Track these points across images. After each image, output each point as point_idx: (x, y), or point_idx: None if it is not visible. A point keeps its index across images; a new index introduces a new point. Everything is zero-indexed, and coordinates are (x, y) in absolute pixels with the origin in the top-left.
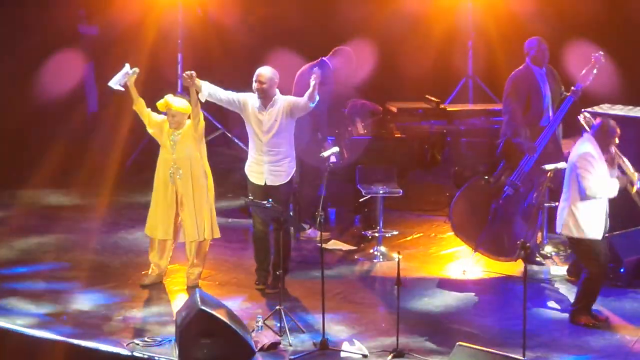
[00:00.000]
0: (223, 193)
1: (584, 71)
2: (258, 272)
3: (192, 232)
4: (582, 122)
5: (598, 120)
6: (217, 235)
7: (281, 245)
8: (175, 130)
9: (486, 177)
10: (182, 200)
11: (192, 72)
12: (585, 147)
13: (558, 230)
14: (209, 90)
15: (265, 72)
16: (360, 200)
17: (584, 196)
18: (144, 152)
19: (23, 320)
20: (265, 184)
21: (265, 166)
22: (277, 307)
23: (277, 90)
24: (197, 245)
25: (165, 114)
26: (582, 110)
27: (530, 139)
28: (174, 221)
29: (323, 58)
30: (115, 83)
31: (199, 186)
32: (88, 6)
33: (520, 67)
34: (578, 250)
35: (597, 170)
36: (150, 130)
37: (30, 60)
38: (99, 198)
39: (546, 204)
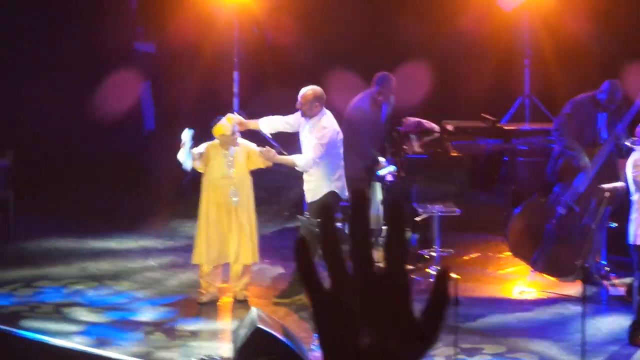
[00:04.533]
0: (279, 211)
1: None
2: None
3: (245, 256)
4: (630, 145)
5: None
6: (256, 259)
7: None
8: (226, 150)
9: (542, 198)
10: (237, 223)
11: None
12: (635, 155)
13: (634, 241)
14: (268, 129)
15: (303, 91)
16: (416, 219)
17: None
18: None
19: (80, 328)
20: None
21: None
22: None
23: (321, 111)
24: (241, 265)
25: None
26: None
27: (585, 155)
28: (224, 245)
29: (370, 89)
30: (189, 163)
31: (251, 208)
32: (145, 24)
33: (587, 95)
34: None
35: None
36: (200, 167)
37: (87, 77)
38: (156, 216)
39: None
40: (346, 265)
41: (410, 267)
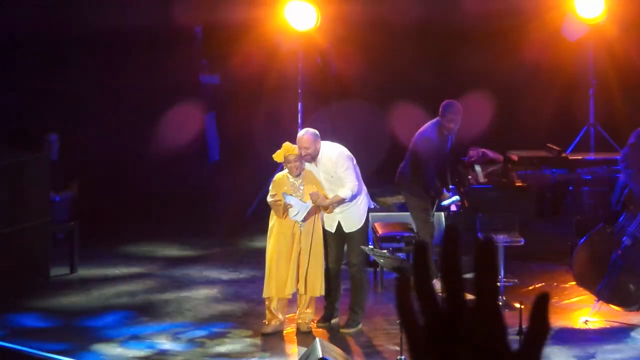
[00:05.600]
0: None
1: None
2: (324, 310)
3: (312, 288)
4: None
5: None
6: (323, 292)
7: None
8: (295, 178)
9: (607, 227)
10: (301, 254)
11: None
12: None
13: None
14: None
15: (302, 137)
16: None
17: None
18: (264, 201)
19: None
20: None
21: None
22: (399, 358)
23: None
24: (308, 297)
25: (280, 167)
26: None
27: None
28: (292, 276)
29: (438, 118)
30: (300, 217)
31: (317, 240)
32: (210, 56)
33: None
34: None
35: None
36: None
37: (152, 108)
38: (221, 247)
39: None
40: (437, 298)
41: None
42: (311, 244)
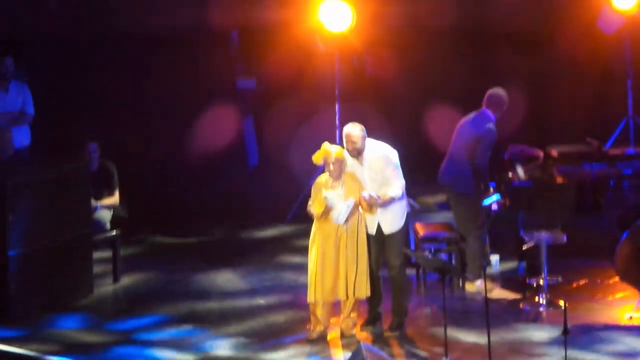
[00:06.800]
0: None
1: None
2: (367, 313)
3: (359, 290)
4: None
5: None
6: (369, 293)
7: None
8: (336, 180)
9: None
10: (347, 257)
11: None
12: None
13: None
14: None
15: (352, 131)
16: (523, 247)
17: None
18: (305, 204)
19: None
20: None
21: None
22: (444, 358)
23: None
24: (354, 301)
25: (320, 170)
26: None
27: None
28: (340, 279)
29: (485, 108)
30: (343, 218)
31: (362, 241)
32: (245, 59)
33: None
34: None
35: None
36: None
37: (188, 113)
38: (262, 253)
39: None
40: None
41: (518, 296)
42: (357, 246)
